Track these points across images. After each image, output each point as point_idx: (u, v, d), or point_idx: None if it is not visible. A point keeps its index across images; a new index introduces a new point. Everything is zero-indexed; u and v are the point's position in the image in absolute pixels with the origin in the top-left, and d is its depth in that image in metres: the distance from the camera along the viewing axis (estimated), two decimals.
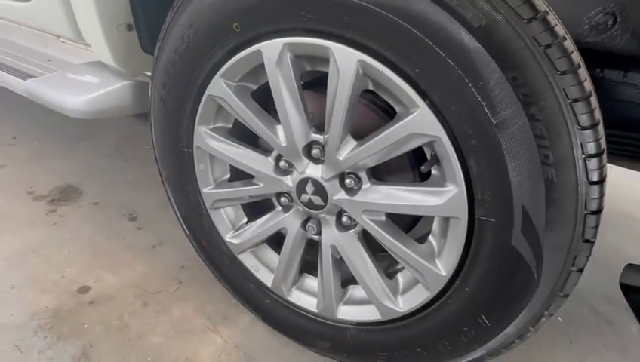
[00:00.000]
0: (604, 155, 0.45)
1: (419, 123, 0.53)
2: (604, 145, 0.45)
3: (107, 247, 1.10)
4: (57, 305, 0.92)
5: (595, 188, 0.45)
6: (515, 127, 0.45)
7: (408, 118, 0.53)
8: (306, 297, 0.84)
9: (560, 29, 0.44)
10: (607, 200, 0.48)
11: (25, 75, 1.08)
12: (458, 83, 0.47)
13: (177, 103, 0.76)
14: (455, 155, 0.51)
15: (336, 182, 0.68)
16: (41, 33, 1.13)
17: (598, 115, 0.44)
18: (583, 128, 0.43)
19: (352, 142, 0.64)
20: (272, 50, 0.60)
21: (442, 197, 0.56)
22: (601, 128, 0.45)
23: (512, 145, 0.46)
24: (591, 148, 0.44)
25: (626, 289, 0.70)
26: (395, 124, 0.56)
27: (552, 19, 0.44)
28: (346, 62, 0.54)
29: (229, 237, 0.87)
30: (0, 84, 1.13)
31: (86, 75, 0.98)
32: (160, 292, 0.99)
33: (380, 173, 0.69)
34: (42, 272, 1.00)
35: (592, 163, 0.44)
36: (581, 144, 0.44)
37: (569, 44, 0.44)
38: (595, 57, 0.71)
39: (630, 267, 0.70)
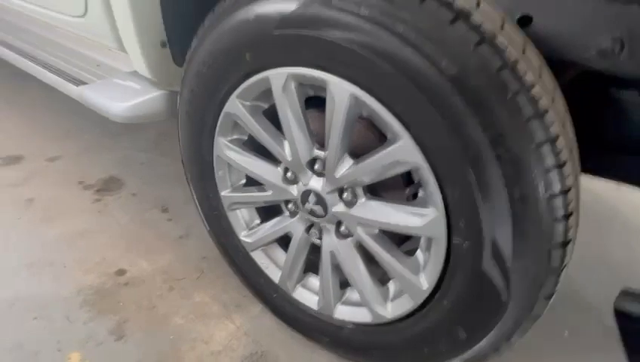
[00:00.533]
0: (570, 192, 0.48)
1: (402, 151, 0.58)
2: (570, 183, 0.48)
3: (141, 235, 1.25)
4: (99, 284, 1.07)
5: (560, 224, 0.49)
6: (484, 164, 0.49)
7: (394, 146, 0.59)
8: (308, 295, 0.93)
9: (530, 76, 0.47)
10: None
11: (78, 81, 1.23)
12: (435, 121, 0.51)
13: (200, 117, 0.85)
14: (435, 183, 0.56)
15: (336, 195, 0.75)
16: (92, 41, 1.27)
17: (564, 156, 0.47)
18: (548, 170, 0.47)
19: (348, 161, 0.70)
20: (278, 78, 0.67)
21: (424, 219, 0.61)
22: (567, 168, 0.48)
23: (481, 180, 0.50)
24: (556, 187, 0.47)
25: (618, 314, 0.71)
26: (383, 150, 0.61)
27: (522, 67, 0.47)
28: (340, 93, 0.61)
29: (243, 236, 0.96)
30: (57, 87, 1.29)
31: (128, 83, 1.11)
32: (184, 279, 1.12)
33: (377, 190, 0.74)
34: (87, 255, 1.16)
35: (557, 201, 0.48)
36: (545, 184, 0.47)
37: (539, 90, 0.47)
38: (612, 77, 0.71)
39: (625, 292, 0.71)
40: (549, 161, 0.46)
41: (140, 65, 1.00)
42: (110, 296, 1.04)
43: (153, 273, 1.12)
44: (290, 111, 0.70)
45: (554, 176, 0.47)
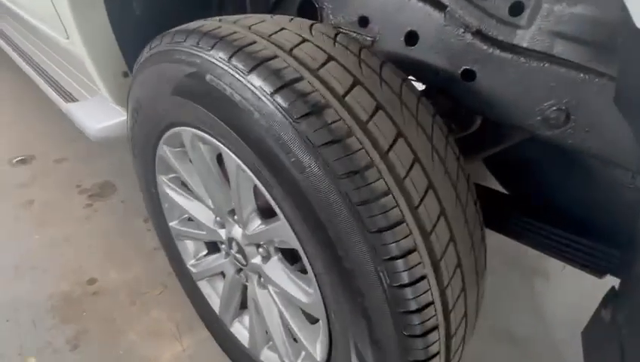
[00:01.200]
0: (427, 310, 0.44)
1: (281, 230, 0.56)
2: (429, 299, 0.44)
3: (119, 245, 1.33)
4: (69, 291, 1.16)
5: (415, 341, 0.45)
6: (336, 268, 0.46)
7: (275, 223, 0.57)
8: (243, 331, 0.94)
9: (380, 185, 0.42)
10: None
11: (68, 97, 1.31)
12: (299, 213, 0.49)
13: (142, 156, 0.88)
14: (311, 269, 0.54)
15: (254, 247, 0.74)
16: None
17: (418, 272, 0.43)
18: (391, 286, 0.43)
19: (257, 221, 0.69)
20: (185, 135, 0.67)
21: (309, 298, 0.59)
22: (422, 284, 0.43)
23: (338, 282, 0.47)
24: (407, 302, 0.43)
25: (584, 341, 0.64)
26: (271, 223, 0.59)
27: (368, 176, 0.42)
28: (229, 161, 0.59)
29: (190, 265, 0.99)
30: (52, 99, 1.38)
31: (102, 107, 1.16)
32: (147, 294, 1.18)
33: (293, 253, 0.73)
34: (67, 261, 1.25)
35: (409, 318, 0.44)
36: (390, 300, 0.43)
37: (389, 200, 0.42)
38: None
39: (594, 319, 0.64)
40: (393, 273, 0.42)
41: (104, 93, 1.05)
42: (77, 304, 1.13)
43: (120, 285, 1.20)
44: (201, 165, 0.70)
45: (400, 291, 0.43)
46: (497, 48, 0.62)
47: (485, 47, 0.63)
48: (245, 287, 0.88)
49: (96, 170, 1.66)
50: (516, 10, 0.58)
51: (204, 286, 1.00)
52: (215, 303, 0.98)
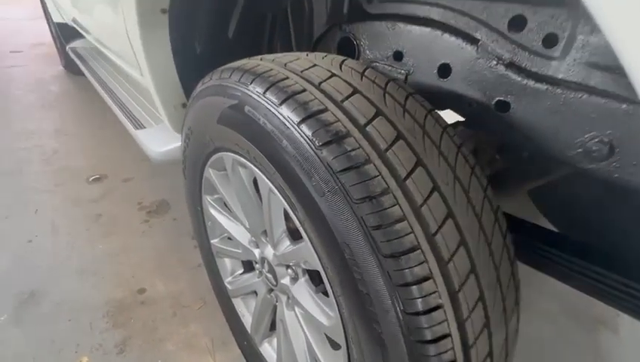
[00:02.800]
0: (439, 343, 0.43)
1: (305, 251, 0.58)
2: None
3: (168, 259, 1.43)
4: (122, 298, 1.27)
5: None
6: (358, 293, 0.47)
7: (300, 244, 0.59)
8: (271, 352, 0.95)
9: (395, 211, 0.43)
10: None
11: (138, 124, 1.49)
12: (320, 236, 0.51)
13: (191, 177, 0.97)
14: (331, 291, 0.55)
15: (284, 268, 0.77)
16: None
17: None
18: (405, 313, 0.42)
19: (286, 242, 0.72)
20: (227, 159, 0.73)
21: (330, 321, 0.59)
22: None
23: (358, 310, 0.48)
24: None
25: None
26: (297, 245, 0.62)
27: (383, 202, 0.43)
28: (263, 185, 0.64)
29: (227, 282, 1.04)
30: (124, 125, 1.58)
31: (163, 134, 1.30)
32: (187, 307, 1.25)
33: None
34: (123, 270, 1.38)
35: (424, 348, 0.43)
36: (405, 328, 0.43)
37: (404, 226, 0.43)
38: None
39: None
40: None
41: (166, 121, 1.18)
42: (127, 311, 1.23)
43: (165, 296, 1.28)
44: (239, 187, 0.76)
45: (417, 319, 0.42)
46: (531, 79, 0.61)
47: (519, 79, 0.63)
48: (275, 308, 0.91)
49: (155, 189, 1.83)
50: (550, 42, 0.57)
51: (238, 304, 1.04)
52: (247, 322, 1.01)
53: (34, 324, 1.17)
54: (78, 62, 2.40)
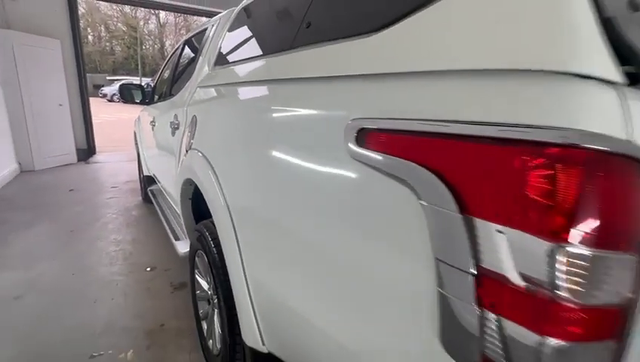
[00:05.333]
0: None
1: None
2: None
3: (181, 314, 2.57)
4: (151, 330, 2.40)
5: None
6: None
7: None
8: None
9: None
10: None
11: (176, 236, 2.84)
12: None
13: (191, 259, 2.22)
14: None
15: None
16: None
17: None
18: None
19: None
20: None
21: None
22: None
23: None
24: None
25: None
26: None
27: None
28: None
29: None
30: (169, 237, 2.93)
31: (187, 243, 2.61)
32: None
33: None
34: (154, 319, 2.54)
35: None
36: None
37: None
38: None
39: None
40: None
41: (186, 237, 2.50)
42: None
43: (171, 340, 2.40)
44: None
45: None
46: None
47: None
48: None
49: (181, 274, 3.07)
50: None
51: None
52: None
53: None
54: (152, 197, 4.00)
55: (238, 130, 1.46)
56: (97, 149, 8.14)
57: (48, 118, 6.78)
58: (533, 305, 0.49)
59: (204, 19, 9.09)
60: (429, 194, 0.60)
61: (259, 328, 1.30)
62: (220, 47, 2.24)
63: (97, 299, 2.72)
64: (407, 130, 0.63)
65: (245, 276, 1.34)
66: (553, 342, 0.47)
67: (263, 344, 1.29)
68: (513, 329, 0.50)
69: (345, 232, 0.78)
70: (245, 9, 2.12)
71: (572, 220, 0.46)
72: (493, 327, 0.52)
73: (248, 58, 1.72)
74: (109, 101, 29.06)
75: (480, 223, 0.53)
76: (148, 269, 3.21)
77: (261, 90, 1.42)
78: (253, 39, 1.85)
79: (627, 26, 0.47)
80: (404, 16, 0.73)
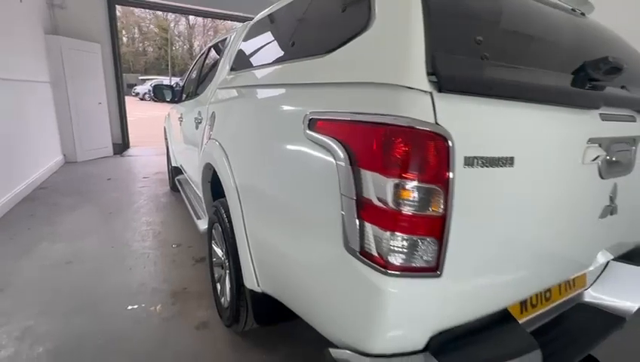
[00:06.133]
0: None
1: None
2: None
3: (202, 276, 3.04)
4: (177, 291, 2.88)
5: None
6: None
7: None
8: None
9: None
10: None
11: (197, 216, 3.30)
12: None
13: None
14: None
15: None
16: None
17: None
18: None
19: None
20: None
21: None
22: None
23: None
24: None
25: None
26: None
27: None
28: None
29: None
30: (191, 215, 3.40)
31: (206, 220, 3.07)
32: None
33: None
34: (187, 280, 3.01)
35: None
36: None
37: None
38: None
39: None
40: None
41: (206, 216, 2.96)
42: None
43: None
44: None
45: None
46: None
47: None
48: None
49: (201, 250, 3.55)
50: None
51: None
52: None
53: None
54: (178, 185, 4.52)
55: (240, 123, 1.88)
56: (130, 144, 8.88)
57: (89, 115, 7.53)
58: (385, 215, 0.86)
59: (233, 22, 9.65)
60: (337, 156, 0.99)
61: (255, 273, 1.71)
62: (235, 55, 2.67)
63: (132, 267, 3.23)
64: (330, 119, 1.02)
65: (246, 235, 1.75)
66: (399, 235, 0.85)
67: (258, 285, 1.70)
68: (376, 230, 0.88)
69: (301, 186, 1.19)
70: (254, 25, 2.54)
71: (403, 166, 0.83)
72: (366, 230, 0.90)
73: (253, 66, 2.14)
74: (141, 99, 30.63)
75: (359, 170, 0.91)
76: (174, 246, 3.71)
77: (257, 92, 1.84)
78: (258, 51, 2.27)
79: (440, 61, 0.84)
80: (334, 49, 1.13)
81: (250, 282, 1.74)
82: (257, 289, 1.72)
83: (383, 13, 0.97)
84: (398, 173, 0.84)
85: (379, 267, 0.91)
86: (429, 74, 0.86)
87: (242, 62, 2.43)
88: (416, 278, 0.90)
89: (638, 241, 1.74)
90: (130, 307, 2.64)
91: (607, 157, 1.21)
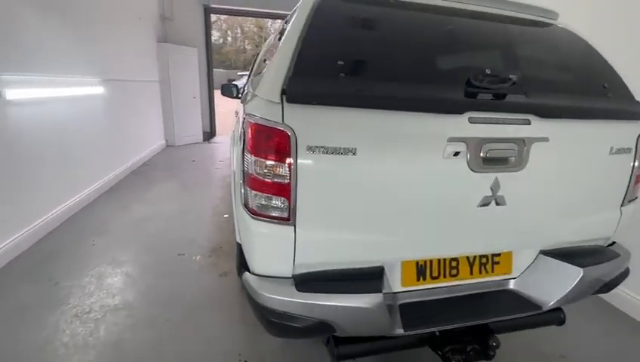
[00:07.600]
0: None
1: None
2: None
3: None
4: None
5: None
6: None
7: None
8: None
9: None
10: None
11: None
12: None
13: None
14: None
15: None
16: None
17: None
18: None
19: None
20: None
21: None
22: None
23: None
24: None
25: None
26: None
27: None
28: None
29: None
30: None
31: None
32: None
33: None
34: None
35: None
36: None
37: None
38: None
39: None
40: None
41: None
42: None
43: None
44: None
45: None
46: None
47: None
48: None
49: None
50: None
51: None
52: None
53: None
54: None
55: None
56: (217, 133, 10.39)
57: (185, 108, 9.11)
58: (255, 181, 1.36)
59: None
60: (241, 146, 1.50)
61: (237, 229, 2.32)
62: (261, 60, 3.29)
63: (190, 227, 4.17)
64: (247, 120, 1.55)
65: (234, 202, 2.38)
66: (264, 195, 1.34)
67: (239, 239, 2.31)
68: (253, 192, 1.38)
69: (237, 166, 1.74)
70: (273, 39, 3.12)
71: (265, 151, 1.31)
72: (248, 193, 1.40)
73: (257, 73, 2.74)
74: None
75: (246, 154, 1.41)
76: (225, 216, 4.58)
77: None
78: (262, 61, 2.85)
79: (289, 83, 1.29)
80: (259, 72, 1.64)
81: (238, 237, 2.35)
82: (239, 241, 2.32)
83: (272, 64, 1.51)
84: (261, 154, 1.33)
85: (252, 214, 1.41)
86: (282, 92, 1.32)
87: (258, 67, 3.04)
88: (275, 224, 1.37)
89: (568, 236, 1.83)
90: (179, 254, 3.52)
91: (477, 154, 1.45)
